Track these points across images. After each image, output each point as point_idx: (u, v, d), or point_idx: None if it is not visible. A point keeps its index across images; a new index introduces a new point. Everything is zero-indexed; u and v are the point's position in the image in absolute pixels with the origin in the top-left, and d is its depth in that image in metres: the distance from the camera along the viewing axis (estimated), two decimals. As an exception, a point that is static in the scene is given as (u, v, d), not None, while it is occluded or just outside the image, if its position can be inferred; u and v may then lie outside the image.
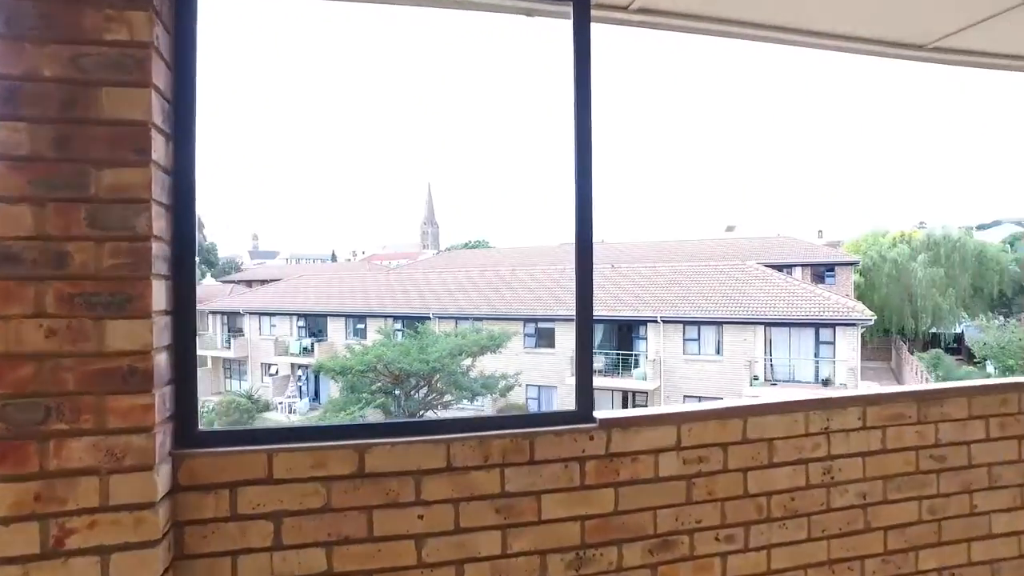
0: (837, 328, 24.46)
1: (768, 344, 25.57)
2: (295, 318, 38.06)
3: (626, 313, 27.53)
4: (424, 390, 24.05)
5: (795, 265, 37.28)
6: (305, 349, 36.24)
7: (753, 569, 2.39)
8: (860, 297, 34.53)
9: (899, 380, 36.58)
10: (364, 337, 33.77)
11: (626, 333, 28.41)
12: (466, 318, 31.34)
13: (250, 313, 39.65)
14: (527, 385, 29.50)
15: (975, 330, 36.64)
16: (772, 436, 2.42)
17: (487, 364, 26.63)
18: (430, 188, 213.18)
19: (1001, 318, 36.98)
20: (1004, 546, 2.71)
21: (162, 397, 1.84)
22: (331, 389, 29.08)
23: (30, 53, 1.67)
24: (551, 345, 29.24)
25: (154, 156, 1.79)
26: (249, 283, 59.03)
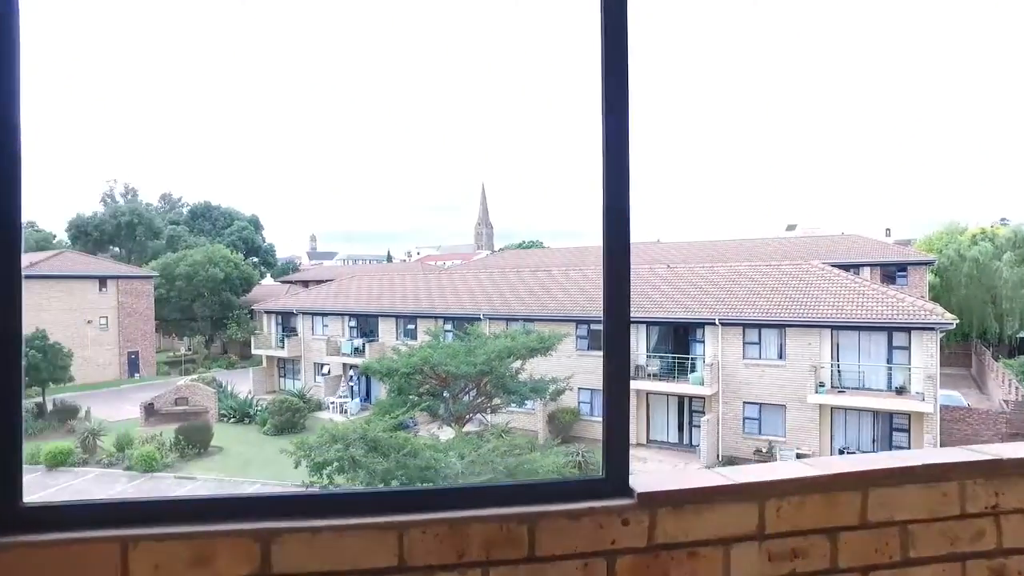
0: (912, 332, 22.66)
1: (835, 349, 23.96)
2: (347, 318, 38.19)
3: (682, 315, 26.31)
4: (472, 393, 23.49)
5: (863, 265, 35.25)
6: (356, 349, 36.29)
7: None
8: (936, 299, 32.16)
9: (982, 388, 34.00)
10: (414, 338, 33.55)
11: (682, 336, 27.18)
12: (516, 319, 30.72)
13: (303, 313, 40.04)
14: (579, 389, 28.64)
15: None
16: (908, 518, 1.58)
17: (538, 367, 25.90)
18: (484, 189, 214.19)
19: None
20: None
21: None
22: (382, 390, 28.90)
23: None
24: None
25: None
26: (306, 283, 60.11)
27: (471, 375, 21.27)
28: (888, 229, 59.43)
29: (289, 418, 31.16)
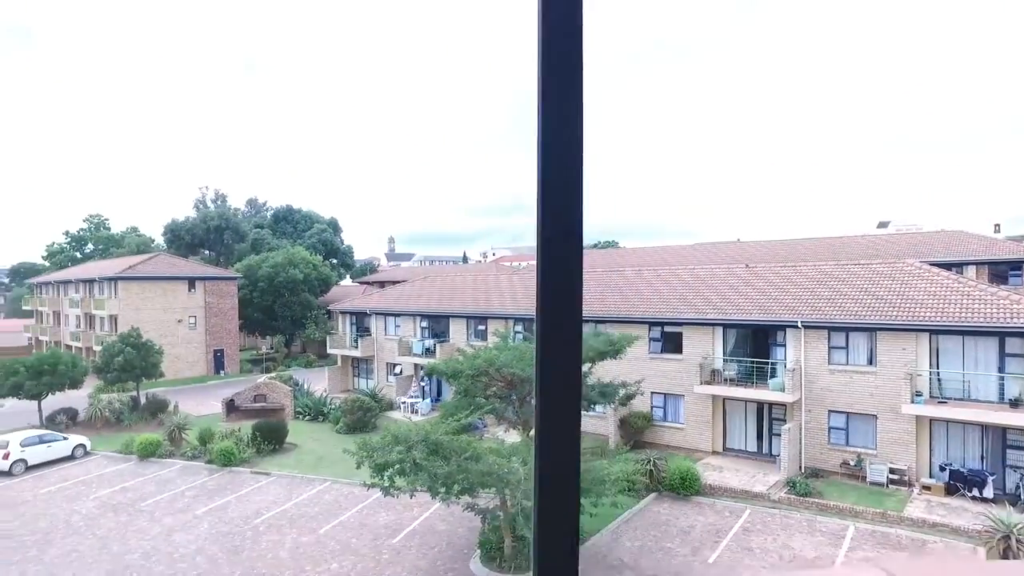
0: (1029, 337, 20.39)
1: (935, 355, 21.92)
2: (418, 318, 38.50)
3: (761, 317, 24.86)
4: (539, 396, 22.95)
5: (967, 263, 32.54)
6: (427, 350, 36.49)
7: None
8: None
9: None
10: (485, 339, 33.40)
11: (762, 339, 25.70)
12: (587, 320, 30.02)
13: (376, 313, 40.68)
14: (651, 393, 27.67)
15: None
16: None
17: (609, 370, 25.12)
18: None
19: None
20: None
21: None
22: (451, 391, 28.85)
23: None
24: (678, 350, 27.19)
25: None
26: (382, 284, 61.35)
27: (537, 378, 20.71)
28: (997, 225, 54.69)
29: (360, 417, 31.65)
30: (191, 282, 52.57)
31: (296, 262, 59.87)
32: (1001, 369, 20.79)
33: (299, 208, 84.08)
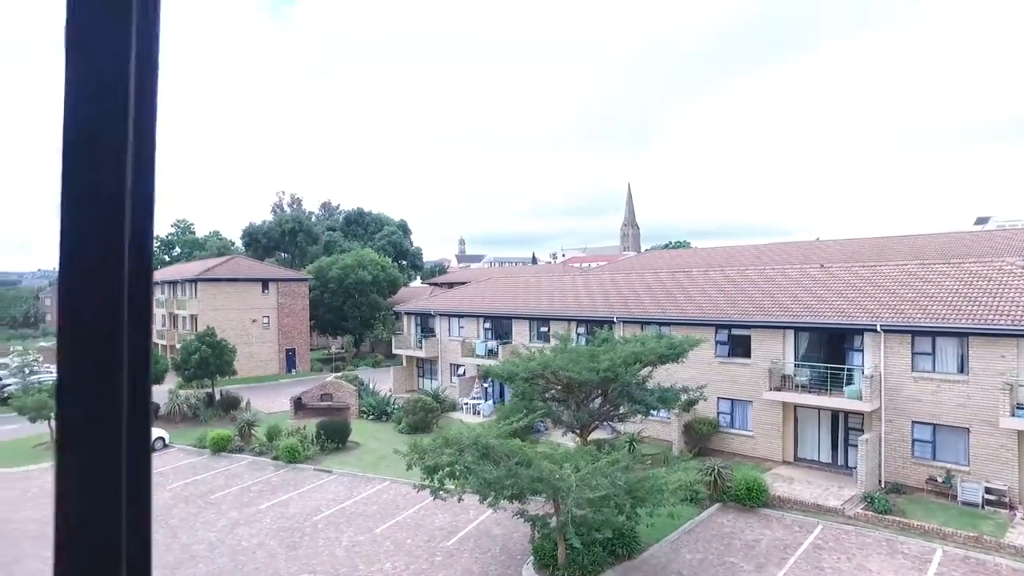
0: None
1: (1039, 363, 19.91)
2: (481, 320, 38.45)
3: (836, 320, 23.33)
4: (599, 400, 22.32)
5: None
6: (490, 351, 36.37)
7: None
8: None
9: None
10: (547, 341, 32.94)
11: (837, 344, 24.13)
12: (651, 322, 29.15)
13: (440, 314, 40.89)
14: (718, 399, 26.52)
15: None
16: None
17: (674, 374, 24.24)
18: (630, 189, 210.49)
19: None
20: None
21: None
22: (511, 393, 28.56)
23: None
24: (746, 354, 25.93)
25: None
26: (450, 285, 61.88)
27: (593, 381, 20.12)
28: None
29: (422, 417, 31.82)
30: (264, 283, 54.53)
31: (365, 264, 61.18)
32: (1116, 380, 18.67)
33: (370, 211, 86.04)
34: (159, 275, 65.94)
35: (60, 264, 0.72)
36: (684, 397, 22.54)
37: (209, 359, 35.89)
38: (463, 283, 53.77)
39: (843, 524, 19.12)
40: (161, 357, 37.62)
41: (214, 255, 72.60)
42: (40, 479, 27.00)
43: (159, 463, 28.31)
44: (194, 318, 51.56)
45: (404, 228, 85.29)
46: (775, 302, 26.12)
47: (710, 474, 20.70)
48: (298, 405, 35.80)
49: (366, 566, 17.61)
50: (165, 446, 30.64)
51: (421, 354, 41.00)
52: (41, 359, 52.62)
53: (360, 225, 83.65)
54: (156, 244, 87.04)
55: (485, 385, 36.58)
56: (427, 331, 42.28)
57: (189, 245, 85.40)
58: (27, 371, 44.49)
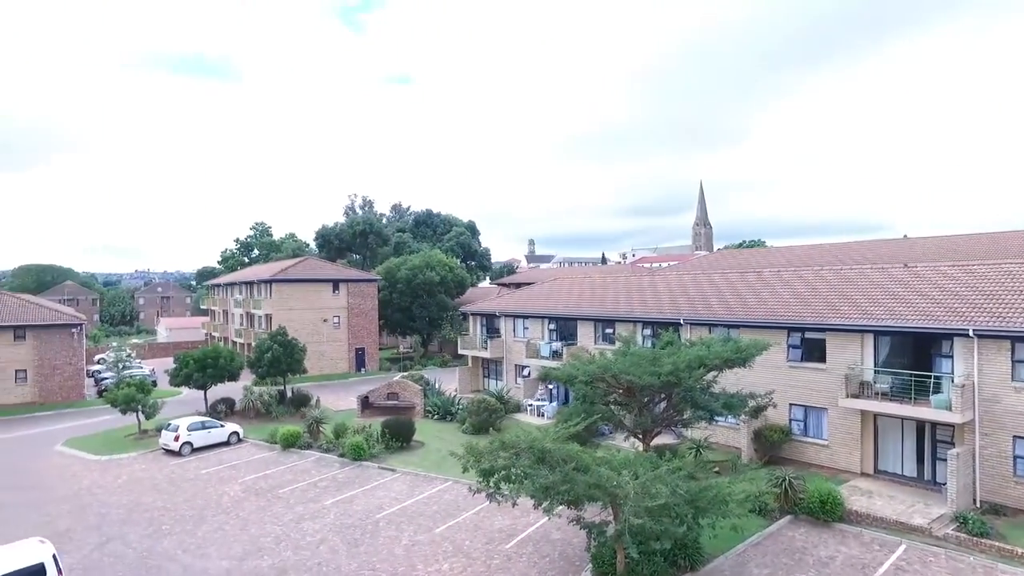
0: None
1: None
2: (546, 321, 38.18)
3: (922, 323, 21.72)
4: (663, 405, 21.63)
5: None
6: (555, 352, 36.06)
7: None
8: None
9: None
10: (612, 343, 32.33)
11: (923, 349, 22.47)
12: (719, 325, 28.12)
13: (505, 315, 40.85)
14: (790, 405, 25.27)
15: None
16: None
17: (743, 379, 23.23)
18: (702, 187, 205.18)
19: None
20: None
21: None
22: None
23: None
24: (821, 359, 24.56)
25: None
26: (518, 285, 61.92)
27: (655, 386, 19.47)
28: None
29: (486, 418, 31.84)
30: (335, 284, 56.08)
31: (433, 264, 62.00)
32: None
33: (439, 212, 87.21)
34: (238, 276, 68.92)
35: None
36: (751, 403, 21.53)
37: (280, 357, 37.15)
38: (530, 283, 53.64)
39: (930, 545, 17.70)
40: (238, 355, 39.24)
41: (289, 256, 75.31)
42: (129, 467, 28.65)
43: (233, 457, 29.48)
44: (268, 317, 53.58)
45: (472, 229, 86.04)
46: (852, 304, 24.63)
47: (780, 484, 19.68)
48: (365, 404, 36.54)
49: (424, 566, 17.65)
50: (239, 440, 31.90)
51: (486, 355, 41.10)
52: (133, 355, 55.95)
53: (429, 226, 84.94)
54: (235, 246, 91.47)
55: (549, 387, 36.28)
56: (492, 332, 42.36)
57: (266, 247, 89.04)
58: (120, 366, 47.45)
